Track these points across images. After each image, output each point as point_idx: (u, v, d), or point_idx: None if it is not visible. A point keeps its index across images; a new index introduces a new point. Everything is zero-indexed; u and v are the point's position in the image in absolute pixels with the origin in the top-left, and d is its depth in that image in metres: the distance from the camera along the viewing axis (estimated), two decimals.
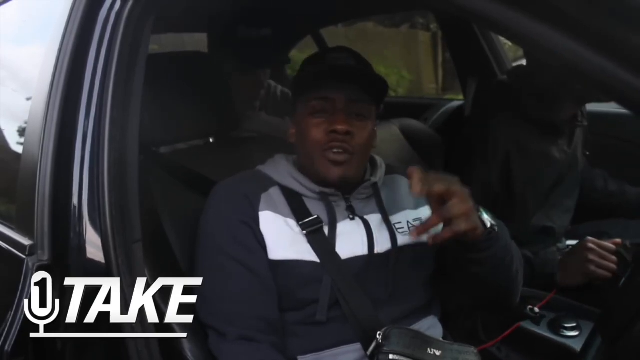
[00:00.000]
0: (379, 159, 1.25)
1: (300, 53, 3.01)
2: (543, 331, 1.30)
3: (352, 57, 1.17)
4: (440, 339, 1.11)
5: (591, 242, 1.40)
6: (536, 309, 1.32)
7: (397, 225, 1.15)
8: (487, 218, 1.05)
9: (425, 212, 1.18)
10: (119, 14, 1.02)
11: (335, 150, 1.10)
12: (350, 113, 1.11)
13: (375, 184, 1.18)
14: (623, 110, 1.94)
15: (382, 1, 2.33)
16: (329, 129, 1.09)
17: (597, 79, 0.51)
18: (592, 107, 2.08)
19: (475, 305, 1.35)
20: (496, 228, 1.05)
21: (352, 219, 1.14)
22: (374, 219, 1.15)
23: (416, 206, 1.20)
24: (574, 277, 1.40)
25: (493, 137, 1.52)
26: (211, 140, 1.55)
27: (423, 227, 0.99)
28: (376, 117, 1.19)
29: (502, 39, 2.21)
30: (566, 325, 1.29)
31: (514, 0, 0.55)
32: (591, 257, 1.38)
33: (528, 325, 1.32)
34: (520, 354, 1.31)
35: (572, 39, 0.51)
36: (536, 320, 1.32)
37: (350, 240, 1.11)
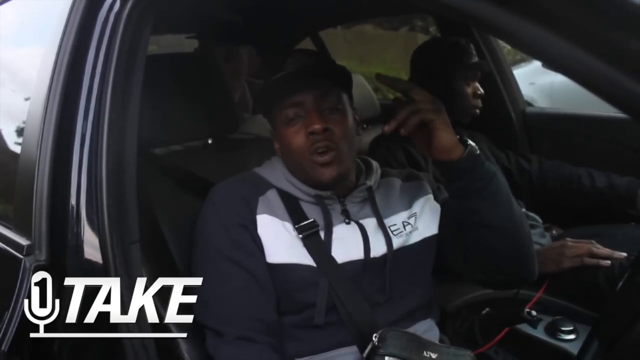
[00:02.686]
0: (375, 163, 1.25)
1: None
2: (540, 334, 1.31)
3: (309, 56, 1.18)
4: (437, 342, 1.11)
5: (570, 241, 1.56)
6: (533, 312, 1.32)
7: (392, 228, 1.15)
8: (470, 141, 1.08)
9: (418, 206, 1.19)
10: (118, 15, 1.02)
11: (320, 151, 1.09)
12: (323, 110, 1.11)
13: (370, 188, 1.18)
14: (616, 114, 1.97)
15: (380, 4, 2.33)
16: (307, 131, 1.09)
17: (595, 83, 0.52)
18: (590, 111, 2.10)
19: (488, 281, 1.29)
20: (478, 151, 1.07)
21: (348, 223, 1.14)
22: (369, 223, 1.14)
23: (410, 205, 1.20)
24: (547, 265, 1.50)
25: (391, 151, 1.75)
26: (209, 141, 1.55)
27: (395, 121, 1.04)
28: (352, 108, 1.19)
29: (501, 42, 2.21)
30: (563, 328, 1.29)
31: (510, 3, 0.55)
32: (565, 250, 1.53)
33: (525, 328, 1.32)
34: (517, 357, 1.31)
35: (570, 43, 0.51)
36: (533, 323, 1.32)
37: (346, 245, 1.11)
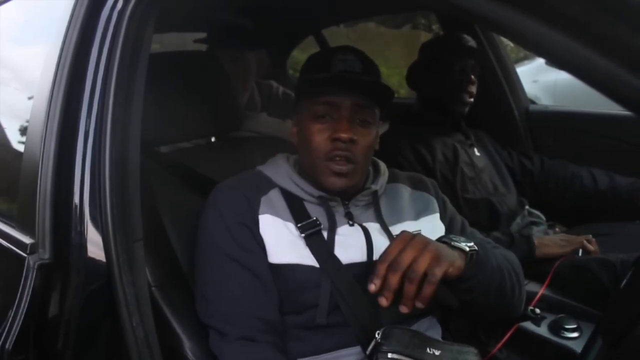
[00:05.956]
0: (382, 165, 1.24)
1: (302, 53, 3.02)
2: (543, 332, 1.30)
3: (359, 59, 1.13)
4: (440, 339, 1.10)
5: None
6: (537, 310, 1.32)
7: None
8: (463, 244, 1.00)
9: (424, 223, 1.18)
10: (121, 13, 1.02)
11: (337, 159, 1.08)
12: (354, 119, 1.10)
13: (375, 193, 1.17)
14: (619, 112, 1.97)
15: (384, 2, 2.33)
16: (333, 136, 1.08)
17: (598, 79, 0.51)
18: (594, 109, 2.10)
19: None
20: (479, 251, 1.01)
21: (352, 225, 1.13)
22: (373, 227, 1.13)
23: (417, 217, 1.19)
24: (552, 247, 1.58)
25: (400, 149, 1.79)
26: (213, 139, 1.55)
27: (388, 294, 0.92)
28: (379, 119, 1.17)
29: (504, 40, 2.21)
30: (567, 326, 1.28)
31: (514, 1, 0.55)
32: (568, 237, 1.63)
33: (529, 326, 1.32)
34: (520, 355, 1.31)
35: (572, 39, 0.51)
36: (537, 321, 1.32)
37: (349, 246, 1.10)
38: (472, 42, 1.84)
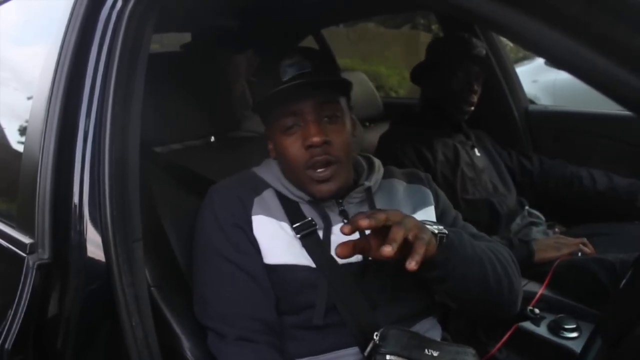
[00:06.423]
0: (377, 162, 1.23)
1: None
2: (543, 332, 1.30)
3: (308, 58, 1.09)
4: (439, 340, 1.10)
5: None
6: (536, 310, 1.32)
7: None
8: (433, 228, 0.97)
9: (422, 216, 1.17)
10: (120, 13, 1.02)
11: (318, 166, 1.07)
12: (321, 119, 1.08)
13: (369, 189, 1.16)
14: (619, 112, 1.97)
15: (384, 2, 2.33)
16: (305, 144, 1.07)
17: (597, 79, 0.51)
18: (593, 109, 2.10)
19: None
20: (449, 235, 0.99)
21: (346, 223, 1.12)
22: None
23: (413, 210, 1.18)
24: (548, 251, 1.57)
25: (402, 148, 1.79)
26: (212, 139, 1.55)
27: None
28: (350, 108, 1.15)
29: (504, 40, 2.21)
30: (566, 326, 1.29)
31: (514, 0, 0.55)
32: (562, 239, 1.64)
33: (528, 326, 1.32)
34: (520, 355, 1.31)
35: (572, 39, 0.51)
36: (536, 321, 1.32)
37: None
38: (479, 49, 1.81)
